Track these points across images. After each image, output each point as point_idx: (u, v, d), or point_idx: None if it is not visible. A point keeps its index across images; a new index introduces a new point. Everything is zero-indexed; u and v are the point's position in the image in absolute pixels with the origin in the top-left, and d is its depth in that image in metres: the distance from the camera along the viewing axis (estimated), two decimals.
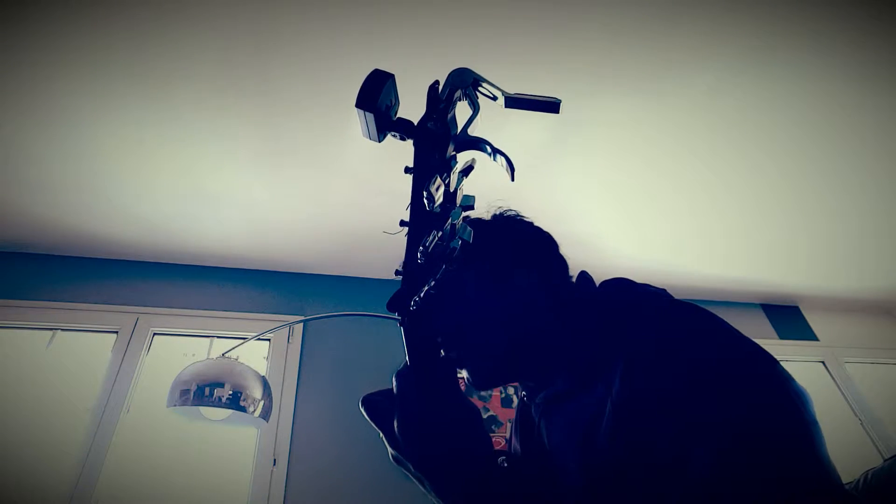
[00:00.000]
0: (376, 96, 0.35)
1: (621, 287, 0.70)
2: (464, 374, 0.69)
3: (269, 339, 2.43)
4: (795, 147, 2.03)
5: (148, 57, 1.53)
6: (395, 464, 0.51)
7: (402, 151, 1.91)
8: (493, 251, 0.70)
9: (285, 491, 2.00)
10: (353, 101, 0.35)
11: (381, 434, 0.51)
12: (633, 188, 2.23)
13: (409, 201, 0.41)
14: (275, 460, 2.07)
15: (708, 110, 1.84)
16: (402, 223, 0.41)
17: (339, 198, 2.19)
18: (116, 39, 1.48)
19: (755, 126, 1.92)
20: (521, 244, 0.73)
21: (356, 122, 1.80)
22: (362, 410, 0.52)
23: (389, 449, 0.51)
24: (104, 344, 2.25)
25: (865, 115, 1.89)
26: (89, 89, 1.62)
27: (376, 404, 0.52)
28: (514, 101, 0.40)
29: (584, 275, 0.73)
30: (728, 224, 2.51)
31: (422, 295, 0.42)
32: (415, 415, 0.48)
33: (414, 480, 0.50)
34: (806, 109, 1.86)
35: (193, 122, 1.77)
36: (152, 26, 1.45)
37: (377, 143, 0.41)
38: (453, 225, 0.39)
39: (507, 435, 0.90)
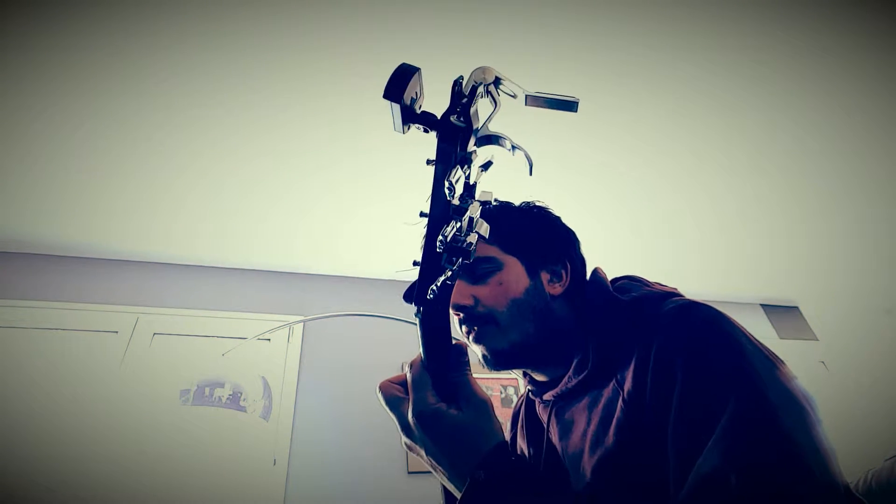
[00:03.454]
0: (402, 88, 0.36)
1: (634, 285, 0.71)
2: (478, 351, 0.70)
3: (269, 339, 2.43)
4: (795, 147, 2.03)
5: (156, 60, 1.53)
6: (407, 450, 0.53)
7: (411, 149, 1.91)
8: (531, 241, 0.73)
9: (285, 491, 2.00)
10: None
11: (395, 420, 0.52)
12: (632, 188, 2.23)
13: (421, 196, 0.41)
14: (275, 460, 2.07)
15: (708, 110, 1.84)
16: (422, 214, 0.41)
17: (342, 198, 2.18)
18: (130, 41, 1.48)
19: (755, 126, 1.92)
20: (555, 239, 0.76)
21: (364, 121, 1.80)
22: (379, 396, 0.53)
23: (403, 436, 0.52)
24: (104, 344, 2.24)
25: (866, 115, 1.89)
26: (85, 90, 1.62)
27: (392, 391, 0.53)
28: (533, 100, 0.41)
29: (597, 272, 0.74)
30: (728, 224, 2.51)
31: (438, 285, 0.43)
32: (427, 405, 0.49)
33: (428, 467, 0.51)
34: (806, 109, 1.86)
35: (191, 120, 1.76)
36: (159, 26, 1.45)
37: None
38: (471, 219, 0.40)
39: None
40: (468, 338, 0.70)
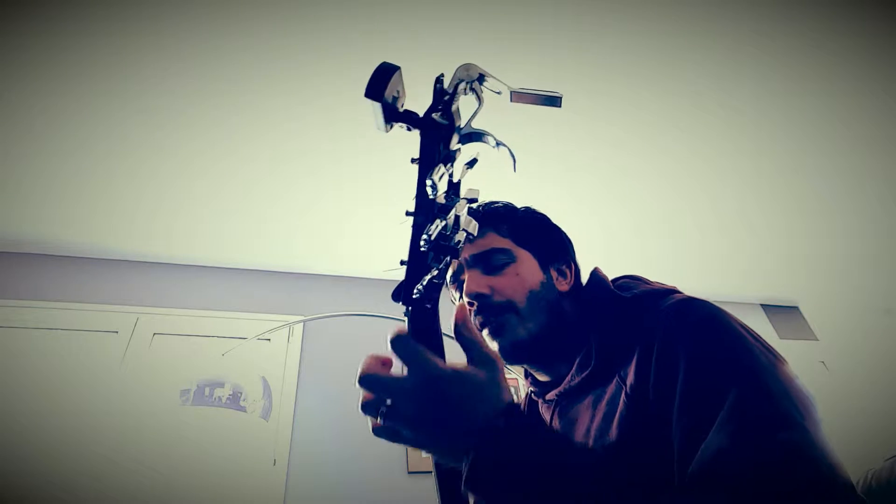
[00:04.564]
0: (383, 87, 0.36)
1: (634, 284, 0.72)
2: (495, 345, 0.69)
3: (269, 339, 2.43)
4: (795, 147, 2.03)
5: (155, 61, 1.53)
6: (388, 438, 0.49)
7: (411, 149, 1.91)
8: (540, 238, 0.75)
9: (285, 491, 2.00)
10: (364, 102, 0.36)
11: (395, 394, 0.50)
12: (632, 188, 2.23)
13: (413, 194, 0.41)
14: (275, 460, 2.07)
15: (708, 110, 1.84)
16: (408, 213, 0.41)
17: (342, 198, 2.18)
18: (131, 41, 1.48)
19: (755, 126, 1.92)
20: (559, 239, 0.78)
21: (361, 121, 1.80)
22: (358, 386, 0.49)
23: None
24: (104, 344, 2.24)
25: (866, 115, 1.89)
26: (85, 90, 1.62)
27: (377, 370, 0.50)
28: (518, 96, 0.41)
29: (596, 271, 0.75)
30: (728, 224, 2.51)
31: (425, 283, 0.43)
32: (440, 368, 0.45)
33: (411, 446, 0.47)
34: (806, 109, 1.86)
35: (191, 120, 1.77)
36: (153, 25, 1.45)
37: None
38: (457, 217, 0.40)
39: None
40: (482, 331, 0.70)
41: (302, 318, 2.16)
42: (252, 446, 2.11)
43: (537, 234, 0.76)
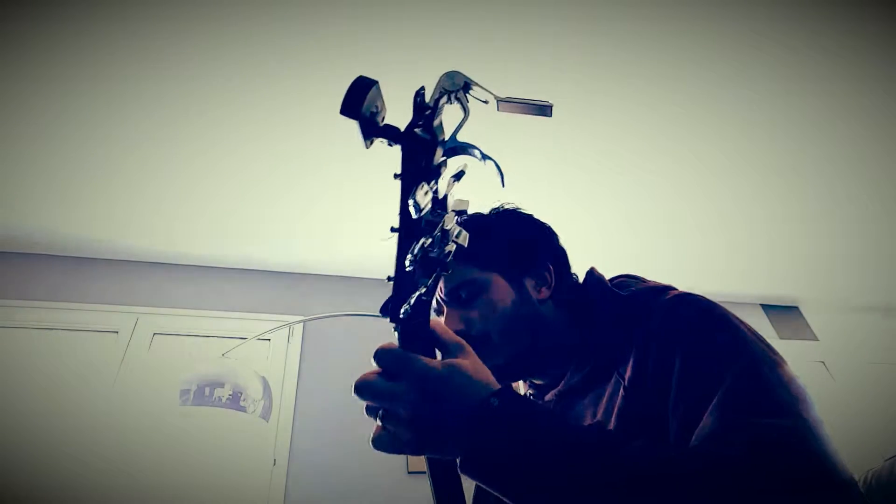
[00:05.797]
0: (360, 103, 0.34)
1: (631, 282, 0.72)
2: None
3: (269, 339, 2.43)
4: (796, 147, 2.03)
5: (155, 60, 1.54)
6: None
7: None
8: (507, 252, 0.72)
9: (285, 491, 2.00)
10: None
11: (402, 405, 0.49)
12: (632, 188, 2.23)
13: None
14: (275, 460, 2.07)
15: (708, 110, 1.84)
16: (393, 229, 0.40)
17: (342, 198, 2.19)
18: (130, 42, 1.48)
19: (755, 126, 1.92)
20: (532, 241, 0.74)
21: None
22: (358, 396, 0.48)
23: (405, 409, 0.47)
24: (104, 344, 2.24)
25: (866, 115, 1.89)
26: (85, 90, 1.62)
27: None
28: (506, 105, 0.39)
29: (593, 271, 0.74)
30: (728, 224, 2.51)
31: (412, 302, 0.42)
32: (433, 366, 0.45)
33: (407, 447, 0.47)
34: (806, 109, 1.86)
35: (191, 120, 1.77)
36: (160, 29, 1.45)
37: (379, 144, 0.40)
38: (445, 230, 0.38)
39: None
40: None
41: (302, 318, 2.16)
42: (252, 446, 2.11)
43: (500, 251, 0.71)
